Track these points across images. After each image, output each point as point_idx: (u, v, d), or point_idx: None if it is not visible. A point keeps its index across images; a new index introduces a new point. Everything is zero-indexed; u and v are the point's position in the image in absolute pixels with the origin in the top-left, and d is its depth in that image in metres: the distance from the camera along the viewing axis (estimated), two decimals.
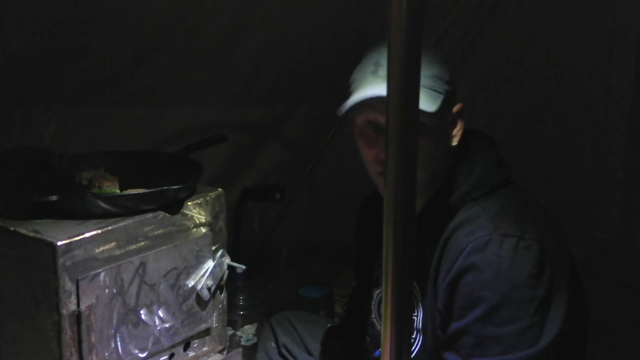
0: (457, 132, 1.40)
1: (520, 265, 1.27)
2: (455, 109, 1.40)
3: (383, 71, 1.34)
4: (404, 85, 0.81)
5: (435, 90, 1.34)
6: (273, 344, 1.83)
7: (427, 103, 1.31)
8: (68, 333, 1.31)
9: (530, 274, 1.27)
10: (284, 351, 1.80)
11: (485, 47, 2.36)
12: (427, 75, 1.34)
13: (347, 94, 1.38)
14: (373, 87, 1.33)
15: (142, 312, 1.42)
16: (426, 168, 1.37)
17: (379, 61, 1.36)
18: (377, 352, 1.57)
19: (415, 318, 1.43)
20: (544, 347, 1.27)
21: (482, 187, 1.36)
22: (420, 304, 1.42)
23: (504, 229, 1.29)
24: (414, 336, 1.44)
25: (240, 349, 1.74)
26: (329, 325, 1.79)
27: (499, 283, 1.27)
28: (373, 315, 1.60)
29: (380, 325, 1.60)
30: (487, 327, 1.27)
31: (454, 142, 1.40)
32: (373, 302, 1.60)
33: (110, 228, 1.36)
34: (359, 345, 1.64)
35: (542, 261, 1.29)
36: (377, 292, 1.59)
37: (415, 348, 1.44)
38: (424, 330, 1.41)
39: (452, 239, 1.32)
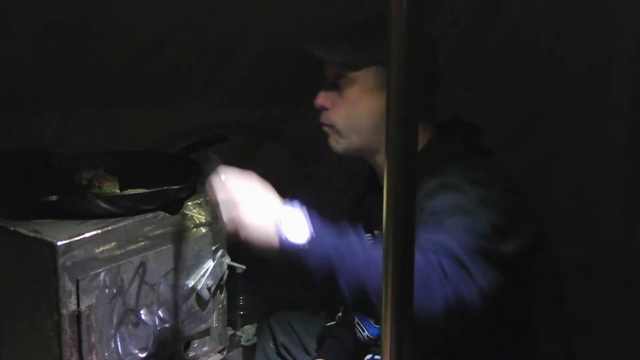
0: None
1: (495, 182, 1.33)
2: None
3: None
4: (404, 86, 0.81)
5: (363, 49, 1.43)
6: (271, 344, 1.83)
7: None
8: (68, 333, 1.31)
9: (506, 189, 1.32)
10: (282, 351, 1.80)
11: (485, 47, 2.36)
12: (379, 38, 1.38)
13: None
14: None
15: (142, 312, 1.42)
16: (347, 137, 1.49)
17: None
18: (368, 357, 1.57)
19: None
20: (507, 251, 1.27)
21: (458, 152, 1.41)
22: None
23: (471, 177, 1.33)
24: None
25: (240, 349, 1.74)
26: (326, 324, 1.79)
27: (477, 189, 1.30)
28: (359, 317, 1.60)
29: (366, 328, 1.60)
30: (432, 202, 1.28)
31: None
32: None
33: (110, 228, 1.36)
34: (356, 343, 1.64)
35: (508, 212, 1.29)
36: None
37: None
38: None
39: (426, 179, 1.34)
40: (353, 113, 1.47)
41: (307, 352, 1.79)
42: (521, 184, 1.46)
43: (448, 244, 1.18)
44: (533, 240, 1.36)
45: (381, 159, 1.47)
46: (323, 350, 1.73)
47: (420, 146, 1.43)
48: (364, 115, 1.46)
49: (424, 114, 1.46)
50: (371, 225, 1.55)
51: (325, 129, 1.53)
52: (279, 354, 1.82)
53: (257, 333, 2.20)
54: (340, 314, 1.77)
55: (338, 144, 1.52)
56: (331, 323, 1.78)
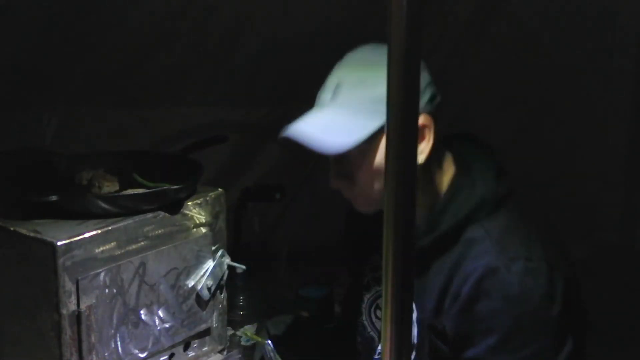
0: (423, 148, 1.30)
1: (530, 289, 1.25)
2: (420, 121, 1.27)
3: (344, 93, 1.32)
4: (403, 86, 0.81)
5: (364, 115, 1.29)
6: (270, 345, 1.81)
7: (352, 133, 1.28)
8: (68, 333, 1.31)
9: (541, 295, 1.25)
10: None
11: (484, 47, 2.36)
12: (369, 97, 1.29)
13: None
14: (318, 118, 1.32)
15: (142, 312, 1.42)
16: (377, 201, 1.33)
17: (342, 80, 1.33)
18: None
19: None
20: None
21: (484, 208, 1.32)
22: (414, 320, 1.39)
23: (510, 252, 1.26)
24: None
25: (240, 349, 1.74)
26: (322, 328, 1.78)
27: (510, 310, 1.24)
28: (364, 317, 1.59)
29: (370, 328, 1.59)
30: (500, 355, 1.25)
31: (420, 160, 1.29)
32: (364, 305, 1.59)
33: (110, 228, 1.36)
34: (352, 347, 1.63)
35: (552, 280, 1.26)
36: (367, 295, 1.58)
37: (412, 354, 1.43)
38: (418, 347, 1.39)
39: (460, 265, 1.28)
40: (374, 182, 1.35)
41: None
42: (548, 225, 1.40)
43: None
44: (579, 307, 1.35)
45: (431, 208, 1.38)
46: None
47: (439, 185, 1.35)
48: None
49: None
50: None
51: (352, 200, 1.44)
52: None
53: (257, 333, 2.20)
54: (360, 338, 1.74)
55: (365, 210, 1.42)
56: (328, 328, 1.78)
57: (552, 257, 1.30)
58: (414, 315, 1.39)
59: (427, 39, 2.26)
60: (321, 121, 1.36)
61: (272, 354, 1.51)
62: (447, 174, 1.37)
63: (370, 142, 1.29)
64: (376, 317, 1.56)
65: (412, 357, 1.41)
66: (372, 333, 1.59)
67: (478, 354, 1.27)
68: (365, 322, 1.59)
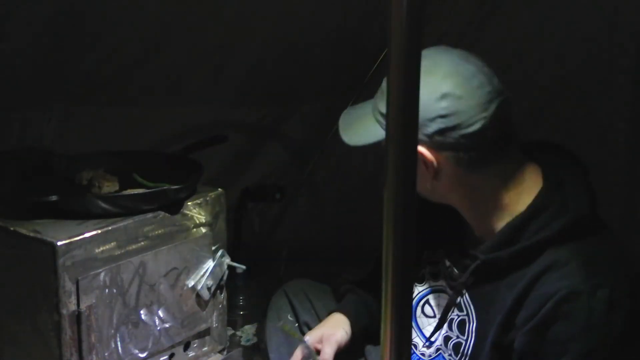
0: (426, 173, 1.30)
1: (613, 321, 1.22)
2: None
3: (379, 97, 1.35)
4: (404, 86, 0.81)
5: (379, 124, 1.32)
6: (290, 317, 1.74)
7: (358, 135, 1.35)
8: (68, 333, 1.31)
9: (621, 331, 1.23)
10: (305, 329, 1.71)
11: (484, 47, 2.35)
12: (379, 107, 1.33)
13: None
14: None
15: (142, 312, 1.42)
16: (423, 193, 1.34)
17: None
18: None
19: (463, 342, 1.39)
20: None
21: (575, 230, 1.27)
22: (474, 331, 1.37)
23: (597, 279, 1.22)
24: (456, 358, 1.41)
25: (240, 349, 1.74)
26: (351, 281, 1.70)
27: (589, 336, 1.22)
28: (418, 315, 1.51)
29: (414, 328, 1.52)
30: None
31: (432, 181, 1.31)
32: (414, 300, 1.52)
33: (110, 228, 1.36)
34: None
35: (632, 313, 1.24)
36: (419, 288, 1.51)
37: None
38: (472, 356, 1.37)
39: (538, 283, 1.25)
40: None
41: None
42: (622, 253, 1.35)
43: None
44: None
45: (472, 218, 1.38)
46: (344, 305, 1.64)
47: (521, 202, 1.31)
48: (420, 189, 1.33)
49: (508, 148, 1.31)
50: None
51: None
52: (301, 330, 1.72)
53: (257, 333, 2.20)
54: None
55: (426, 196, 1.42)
56: (356, 280, 1.70)
57: (632, 288, 1.27)
58: (473, 325, 1.37)
59: (427, 39, 2.26)
60: (356, 113, 1.43)
61: (310, 353, 1.48)
62: (531, 186, 1.32)
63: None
64: (424, 314, 1.50)
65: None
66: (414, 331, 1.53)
67: None
68: (416, 322, 1.52)
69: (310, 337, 1.56)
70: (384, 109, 1.28)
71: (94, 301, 1.33)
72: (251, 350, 2.11)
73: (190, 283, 1.51)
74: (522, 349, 1.27)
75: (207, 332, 1.59)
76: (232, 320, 2.11)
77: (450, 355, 1.42)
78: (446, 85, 1.27)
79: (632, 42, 2.18)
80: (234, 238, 2.35)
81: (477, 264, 1.33)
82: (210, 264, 1.54)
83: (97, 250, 1.34)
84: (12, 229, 1.35)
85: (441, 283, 1.46)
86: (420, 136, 1.26)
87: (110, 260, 1.36)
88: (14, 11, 1.84)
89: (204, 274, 1.53)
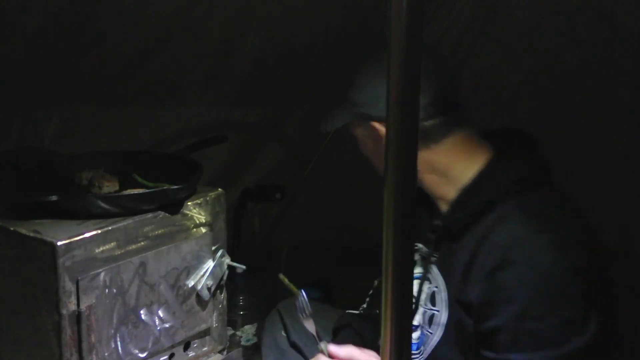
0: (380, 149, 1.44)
1: (557, 260, 1.27)
2: (372, 129, 1.45)
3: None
4: (404, 86, 0.82)
5: (345, 109, 1.49)
6: (283, 333, 1.79)
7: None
8: (68, 333, 1.31)
9: (567, 267, 1.27)
10: (293, 350, 1.76)
11: (485, 47, 2.36)
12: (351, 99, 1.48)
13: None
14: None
15: (142, 312, 1.42)
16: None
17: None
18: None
19: (437, 312, 1.44)
20: (585, 341, 1.26)
21: (519, 185, 1.36)
22: (446, 299, 1.43)
23: (541, 225, 1.30)
24: (432, 330, 1.45)
25: (240, 349, 1.74)
26: (347, 312, 1.75)
27: (536, 279, 1.27)
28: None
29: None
30: (523, 323, 1.27)
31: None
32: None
33: (110, 228, 1.36)
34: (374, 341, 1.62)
35: (582, 256, 1.29)
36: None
37: (436, 342, 1.45)
38: (447, 325, 1.42)
39: (489, 236, 1.32)
40: (374, 162, 1.54)
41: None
42: (583, 216, 1.42)
43: None
44: (607, 289, 1.36)
45: (433, 192, 1.48)
46: (339, 339, 1.67)
47: (471, 170, 1.41)
48: (376, 164, 1.52)
49: (452, 119, 1.43)
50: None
51: None
52: (292, 344, 1.78)
53: (257, 333, 2.20)
54: (365, 305, 1.74)
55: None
56: (353, 312, 1.74)
57: (583, 236, 1.33)
58: (444, 294, 1.43)
59: (427, 39, 2.26)
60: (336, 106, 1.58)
61: (304, 305, 1.50)
62: (481, 158, 1.42)
63: (353, 131, 1.53)
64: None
65: (439, 337, 1.44)
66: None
67: (502, 323, 1.28)
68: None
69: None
70: (352, 97, 1.48)
71: (94, 301, 1.33)
72: (251, 350, 2.11)
73: (190, 283, 1.51)
74: (477, 300, 1.32)
75: (207, 332, 1.58)
76: (232, 320, 2.11)
77: (427, 330, 1.47)
78: None
79: (632, 43, 2.18)
80: (234, 238, 2.35)
81: (439, 232, 1.44)
82: (210, 264, 1.54)
83: (97, 250, 1.34)
84: (12, 229, 1.34)
85: (420, 269, 1.53)
86: (376, 112, 1.42)
87: (110, 260, 1.36)
88: (14, 12, 1.84)
89: (204, 274, 1.53)
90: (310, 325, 1.51)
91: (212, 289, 1.54)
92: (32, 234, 1.31)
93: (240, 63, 2.27)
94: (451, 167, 1.43)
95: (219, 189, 1.58)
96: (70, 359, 1.32)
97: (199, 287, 1.52)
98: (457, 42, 2.37)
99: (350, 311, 1.75)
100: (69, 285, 1.29)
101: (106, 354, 1.37)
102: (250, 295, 2.25)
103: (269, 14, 2.16)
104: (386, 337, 0.87)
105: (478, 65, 2.38)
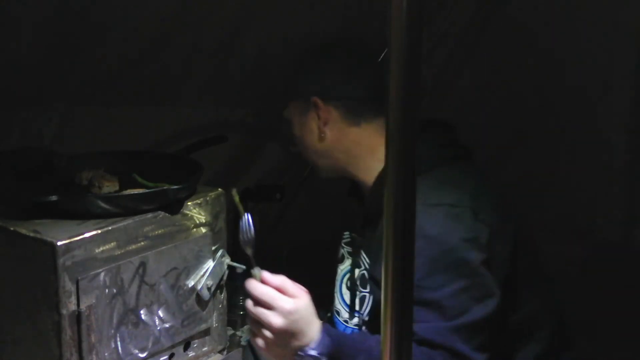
0: (320, 124, 1.59)
1: (450, 230, 1.32)
2: (312, 104, 1.60)
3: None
4: (404, 86, 0.82)
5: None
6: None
7: None
8: (68, 333, 1.31)
9: (461, 238, 1.31)
10: None
11: (484, 48, 2.36)
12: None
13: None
14: None
15: (142, 312, 1.42)
16: (316, 166, 1.65)
17: None
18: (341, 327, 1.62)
19: (366, 294, 1.53)
20: (486, 311, 1.28)
21: (422, 164, 1.37)
22: (369, 276, 1.51)
23: (436, 199, 1.35)
24: (365, 314, 1.54)
25: (240, 349, 1.74)
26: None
27: (429, 249, 1.31)
28: (335, 290, 1.66)
29: (339, 301, 1.68)
30: (421, 292, 1.29)
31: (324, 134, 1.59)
32: (337, 278, 1.68)
33: (110, 228, 1.36)
34: None
35: (476, 227, 1.33)
36: (341, 267, 1.69)
37: (368, 311, 1.53)
38: (373, 306, 1.49)
39: None
40: (303, 147, 1.66)
41: None
42: (492, 191, 1.48)
43: (439, 338, 1.28)
44: (511, 263, 1.39)
45: (358, 176, 1.58)
46: None
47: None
48: (310, 145, 1.62)
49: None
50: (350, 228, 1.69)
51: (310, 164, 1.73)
52: None
53: None
54: (331, 311, 1.77)
55: (320, 175, 1.73)
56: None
57: (483, 209, 1.36)
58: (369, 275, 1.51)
59: (427, 39, 2.26)
60: None
61: (247, 228, 1.51)
62: None
63: (288, 115, 1.68)
64: (347, 288, 1.63)
65: (367, 309, 1.52)
66: (338, 306, 1.62)
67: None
68: (335, 295, 1.63)
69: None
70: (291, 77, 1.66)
71: (94, 301, 1.33)
72: (251, 350, 2.10)
73: (190, 283, 1.51)
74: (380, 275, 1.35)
75: (207, 332, 1.59)
76: (232, 320, 2.11)
77: (357, 311, 1.55)
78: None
79: (632, 43, 2.18)
80: (234, 238, 2.35)
81: (362, 218, 1.54)
82: (210, 264, 1.54)
83: (97, 250, 1.34)
84: (12, 229, 1.34)
85: (357, 258, 1.62)
86: (316, 88, 1.59)
87: (110, 260, 1.36)
88: (14, 11, 1.84)
89: (204, 274, 1.53)
90: (248, 250, 1.50)
91: (212, 289, 1.54)
92: (32, 234, 1.31)
93: (240, 63, 2.26)
94: (375, 150, 1.52)
95: (219, 189, 1.58)
96: (70, 359, 1.32)
97: (199, 287, 1.52)
98: (457, 42, 2.37)
99: None
100: (69, 285, 1.29)
101: (106, 354, 1.37)
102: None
103: (269, 14, 2.16)
104: (386, 337, 0.87)
105: (478, 65, 2.38)
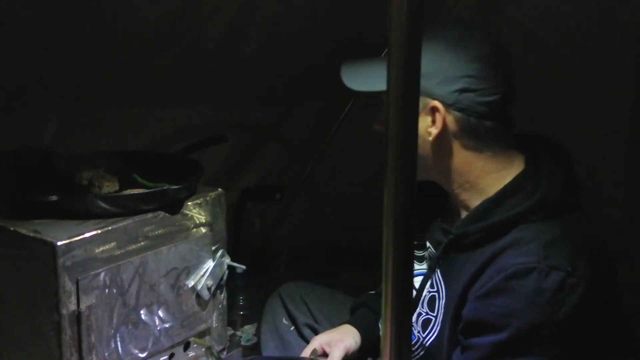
0: (431, 129, 1.33)
1: (560, 303, 1.21)
2: (430, 105, 1.32)
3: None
4: (403, 86, 0.81)
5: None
6: (285, 321, 1.75)
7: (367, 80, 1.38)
8: (68, 333, 1.31)
9: (567, 314, 1.21)
10: (306, 332, 1.72)
11: None
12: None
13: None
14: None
15: (142, 312, 1.42)
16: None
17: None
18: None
19: (433, 318, 1.42)
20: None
21: (542, 210, 1.29)
22: (444, 307, 1.39)
23: (554, 261, 1.22)
24: (424, 335, 1.43)
25: (240, 349, 1.74)
26: (366, 293, 1.71)
27: (532, 315, 1.21)
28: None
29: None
30: (502, 355, 1.23)
31: (425, 140, 1.34)
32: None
33: (110, 228, 1.36)
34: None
35: (585, 303, 1.22)
36: (416, 266, 1.52)
37: (427, 345, 1.43)
38: (440, 332, 1.39)
39: (499, 258, 1.26)
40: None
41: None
42: (604, 248, 1.35)
43: None
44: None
45: (457, 194, 1.40)
46: (355, 317, 1.66)
47: (501, 182, 1.34)
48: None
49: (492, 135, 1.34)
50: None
51: None
52: (300, 334, 1.73)
53: (257, 333, 2.20)
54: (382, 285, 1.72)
55: None
56: (371, 292, 1.71)
57: (595, 283, 1.25)
58: (443, 301, 1.39)
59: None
60: (363, 67, 1.47)
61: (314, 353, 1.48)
62: (512, 173, 1.35)
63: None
64: None
65: (430, 342, 1.41)
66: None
67: (482, 344, 1.25)
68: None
69: (320, 340, 1.56)
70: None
71: (94, 301, 1.33)
72: (251, 350, 2.11)
73: (190, 283, 1.51)
74: (468, 316, 1.29)
75: (207, 332, 1.59)
76: (232, 320, 2.11)
77: (419, 332, 1.45)
78: (482, 50, 1.32)
79: (632, 42, 2.18)
80: (234, 238, 2.35)
81: (450, 239, 1.37)
82: (210, 264, 1.54)
83: (97, 250, 1.34)
84: (12, 229, 1.35)
85: (424, 266, 1.49)
86: (440, 91, 1.31)
87: (110, 260, 1.36)
88: (14, 11, 1.84)
89: (204, 274, 1.53)
90: None
91: (212, 289, 1.54)
92: (32, 234, 1.31)
93: (240, 63, 2.26)
94: (485, 176, 1.35)
95: (219, 189, 1.58)
96: (70, 359, 1.32)
97: (199, 287, 1.52)
98: None
99: (370, 292, 1.71)
100: (69, 285, 1.29)
101: (106, 354, 1.37)
102: (250, 295, 2.25)
103: (270, 14, 2.16)
104: (386, 337, 0.87)
105: None
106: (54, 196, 1.36)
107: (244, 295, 2.24)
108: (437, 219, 1.47)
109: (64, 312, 1.30)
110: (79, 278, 1.30)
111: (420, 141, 1.34)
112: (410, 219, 0.85)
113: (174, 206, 1.47)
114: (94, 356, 1.34)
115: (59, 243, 1.28)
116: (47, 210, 1.38)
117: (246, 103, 2.41)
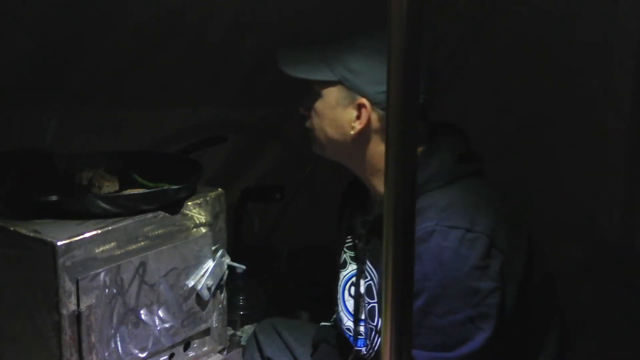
0: (355, 123, 1.42)
1: (464, 257, 1.28)
2: (358, 101, 1.41)
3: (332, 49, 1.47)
4: (403, 86, 0.82)
5: (327, 66, 1.43)
6: (257, 354, 1.81)
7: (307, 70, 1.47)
8: (68, 333, 1.31)
9: (474, 266, 1.28)
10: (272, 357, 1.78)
11: (483, 49, 2.36)
12: (344, 59, 1.43)
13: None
14: None
15: (142, 312, 1.42)
16: (319, 143, 1.51)
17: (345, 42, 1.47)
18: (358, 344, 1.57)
19: (375, 304, 1.47)
20: (485, 340, 1.27)
21: (436, 180, 1.36)
22: (378, 291, 1.45)
23: (452, 221, 1.30)
24: (374, 323, 1.48)
25: (240, 349, 1.74)
26: (321, 324, 1.77)
27: (441, 274, 1.28)
28: (338, 296, 1.61)
29: (342, 308, 1.62)
30: (428, 317, 1.28)
31: (348, 132, 1.44)
32: (339, 284, 1.61)
33: (110, 228, 1.36)
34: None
35: (490, 254, 1.29)
36: (343, 273, 1.62)
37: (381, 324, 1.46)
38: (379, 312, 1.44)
39: None
40: (319, 125, 1.50)
41: (296, 358, 1.77)
42: (510, 207, 1.42)
43: None
44: (520, 288, 1.35)
45: (372, 181, 1.48)
46: (318, 355, 1.71)
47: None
48: (329, 130, 1.49)
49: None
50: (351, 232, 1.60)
51: (308, 132, 1.57)
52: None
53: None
54: (335, 315, 1.77)
55: (314, 148, 1.58)
56: (326, 324, 1.76)
57: (498, 235, 1.31)
58: (378, 287, 1.45)
59: (427, 39, 2.26)
60: (305, 53, 1.54)
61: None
62: None
63: (322, 88, 1.47)
64: (350, 295, 1.59)
65: (380, 324, 1.44)
66: (341, 313, 1.60)
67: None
68: (339, 300, 1.61)
69: None
70: (342, 58, 1.43)
71: (94, 301, 1.33)
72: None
73: (190, 283, 1.51)
74: None
75: (207, 332, 1.59)
76: (232, 320, 2.11)
77: (370, 324, 1.48)
78: None
79: (632, 42, 2.18)
80: (234, 238, 2.35)
81: (367, 226, 1.45)
82: (210, 264, 1.54)
83: (97, 250, 1.34)
84: (12, 229, 1.35)
85: (354, 266, 1.56)
86: (369, 90, 1.40)
87: (110, 260, 1.36)
88: (15, 11, 1.84)
89: (204, 274, 1.53)
90: None
91: (212, 289, 1.54)
92: (32, 234, 1.31)
93: (240, 63, 2.26)
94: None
95: (219, 189, 1.58)
96: (70, 359, 1.32)
97: (199, 287, 1.52)
98: (457, 42, 2.37)
99: (323, 324, 1.77)
100: (69, 285, 1.29)
101: (106, 354, 1.37)
102: (250, 295, 2.25)
103: (268, 15, 2.16)
104: (386, 336, 0.87)
105: (478, 65, 2.38)
106: (54, 196, 1.36)
107: (244, 295, 2.24)
108: (359, 216, 1.55)
109: (64, 312, 1.30)
110: (79, 278, 1.30)
111: (341, 131, 1.45)
112: (410, 219, 0.85)
113: (174, 206, 1.47)
114: (94, 356, 1.34)
115: (59, 243, 1.28)
116: (47, 210, 1.38)
117: (246, 103, 2.41)
